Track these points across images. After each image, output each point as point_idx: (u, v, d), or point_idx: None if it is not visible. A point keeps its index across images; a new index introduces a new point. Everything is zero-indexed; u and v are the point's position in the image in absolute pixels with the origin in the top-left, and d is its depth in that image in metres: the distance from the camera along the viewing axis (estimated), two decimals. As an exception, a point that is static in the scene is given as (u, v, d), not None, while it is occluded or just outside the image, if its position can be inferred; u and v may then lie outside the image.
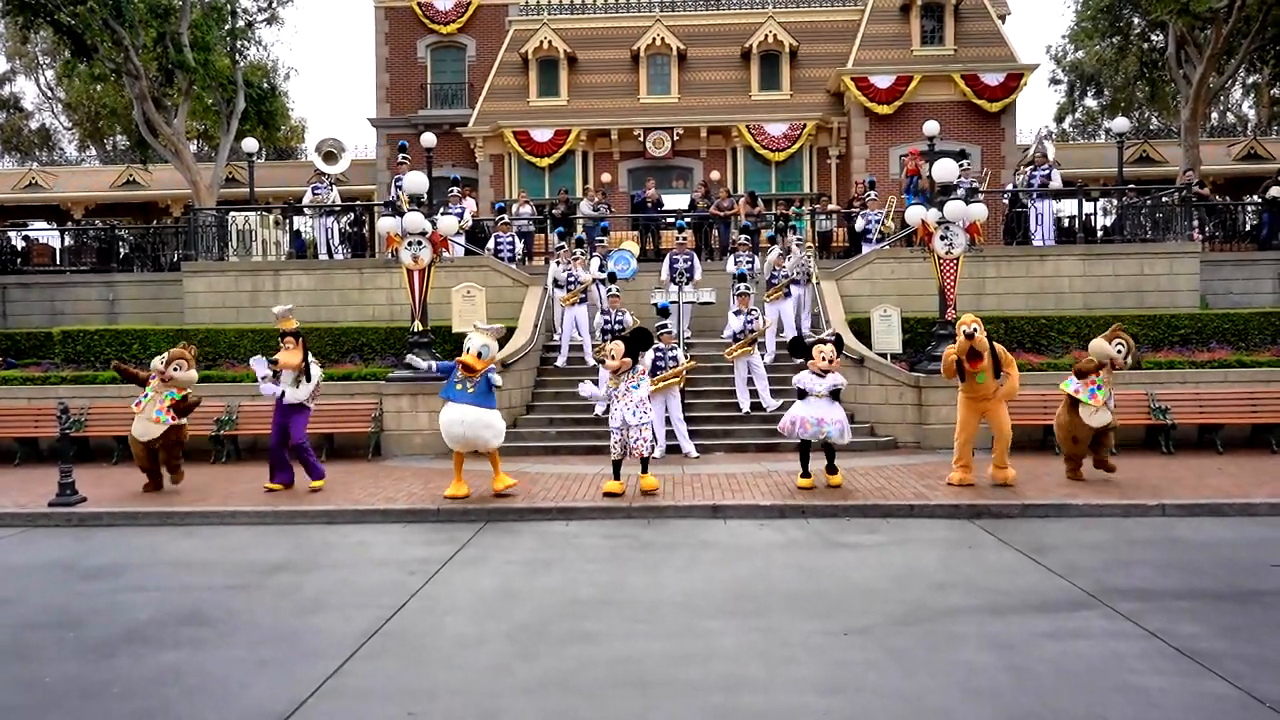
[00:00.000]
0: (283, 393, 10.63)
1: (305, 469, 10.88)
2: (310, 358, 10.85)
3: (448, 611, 6.60)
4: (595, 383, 11.09)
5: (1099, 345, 10.53)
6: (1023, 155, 17.83)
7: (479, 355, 9.88)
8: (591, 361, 14.41)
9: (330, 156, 18.59)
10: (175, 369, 10.86)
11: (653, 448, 10.56)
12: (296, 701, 5.03)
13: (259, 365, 10.68)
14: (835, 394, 10.23)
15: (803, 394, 10.20)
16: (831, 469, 10.40)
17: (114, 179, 31.42)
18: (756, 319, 13.52)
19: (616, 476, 10.13)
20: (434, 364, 10.82)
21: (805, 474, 10.39)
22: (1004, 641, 5.78)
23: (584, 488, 10.57)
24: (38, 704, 5.09)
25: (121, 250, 22.51)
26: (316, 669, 5.49)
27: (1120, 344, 10.59)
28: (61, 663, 5.69)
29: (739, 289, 13.65)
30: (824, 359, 10.22)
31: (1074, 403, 10.46)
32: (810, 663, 5.51)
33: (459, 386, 9.88)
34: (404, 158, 18.68)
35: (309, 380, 10.72)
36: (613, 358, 10.07)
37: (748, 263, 15.75)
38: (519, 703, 5.01)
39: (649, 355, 11.15)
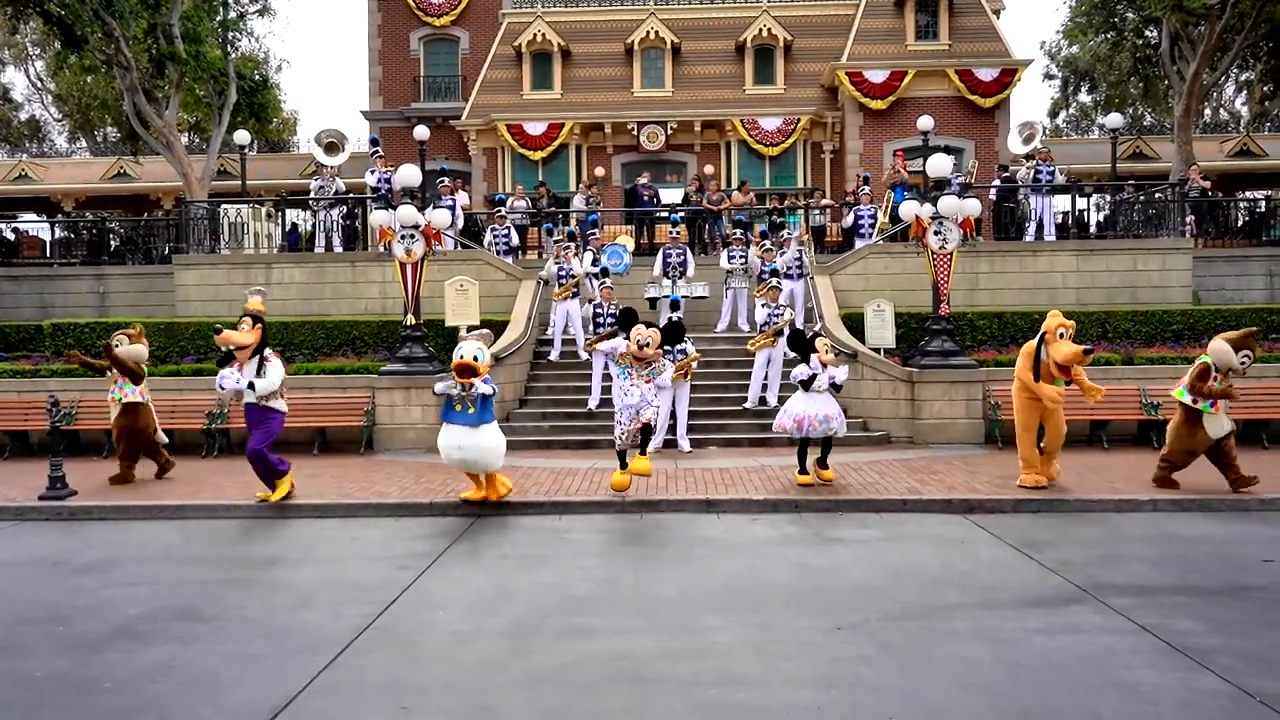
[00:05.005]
0: (248, 387, 9.44)
1: (262, 477, 9.77)
2: (269, 352, 9.63)
3: (440, 606, 6.58)
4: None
5: (1224, 352, 9.42)
6: (1023, 144, 17.80)
7: (475, 359, 8.97)
8: (585, 356, 14.38)
9: (331, 148, 18.47)
10: (118, 344, 10.76)
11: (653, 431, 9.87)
12: (288, 696, 5.01)
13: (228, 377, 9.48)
14: (836, 388, 10.09)
15: (806, 386, 9.95)
16: (824, 464, 10.27)
17: (105, 171, 31.25)
18: (783, 311, 13.47)
19: (624, 466, 9.54)
20: (441, 384, 9.27)
21: (804, 470, 10.26)
22: (998, 637, 5.79)
23: (577, 482, 10.55)
24: (28, 700, 5.05)
25: (112, 243, 22.38)
26: (309, 664, 5.46)
27: (1246, 356, 9.43)
28: (52, 658, 5.65)
29: (771, 283, 13.59)
30: (827, 350, 10.09)
31: (1191, 413, 9.55)
32: (804, 658, 5.51)
33: (458, 407, 9.02)
34: (376, 151, 18.59)
35: (264, 376, 9.47)
36: (646, 345, 9.38)
37: (741, 257, 15.75)
38: (513, 698, 4.99)
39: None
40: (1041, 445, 10.01)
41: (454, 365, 8.98)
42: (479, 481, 9.50)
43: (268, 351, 9.59)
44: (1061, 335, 9.52)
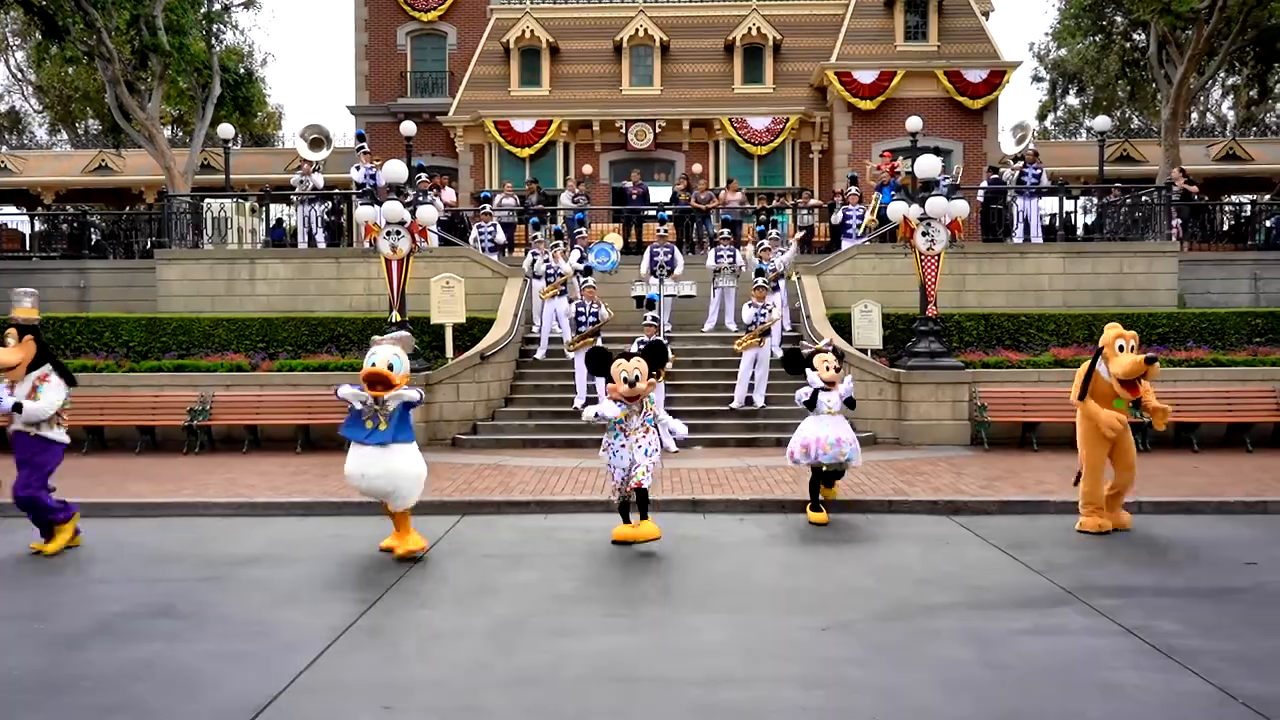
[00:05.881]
0: (14, 409, 7.75)
1: (37, 524, 8.05)
2: (52, 369, 7.94)
3: (424, 605, 6.53)
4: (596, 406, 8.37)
5: None
6: (1016, 144, 17.86)
7: (390, 368, 7.41)
8: (570, 355, 14.32)
9: (316, 144, 18.35)
10: None
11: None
12: (271, 695, 4.94)
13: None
14: (850, 403, 8.88)
15: (811, 405, 8.84)
16: (830, 482, 9.30)
17: (86, 164, 30.93)
18: (770, 311, 13.47)
19: (626, 519, 8.09)
20: (348, 387, 7.63)
21: (816, 506, 9.00)
22: (983, 638, 5.78)
23: (562, 481, 10.51)
24: (5, 698, 4.97)
25: (93, 237, 22.17)
26: (291, 662, 5.40)
27: None
28: (30, 656, 5.57)
29: (757, 283, 13.57)
30: (827, 368, 8.84)
31: None
32: (790, 658, 5.49)
33: (368, 424, 7.41)
34: (363, 147, 18.47)
35: (40, 400, 7.78)
36: (636, 379, 7.74)
37: (729, 256, 15.73)
38: (497, 697, 4.95)
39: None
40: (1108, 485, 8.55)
41: (363, 375, 7.40)
42: (398, 523, 7.76)
43: (48, 369, 7.91)
44: (1122, 349, 8.17)
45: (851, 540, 8.33)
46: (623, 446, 7.91)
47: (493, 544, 8.24)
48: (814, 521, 8.87)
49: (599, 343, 13.16)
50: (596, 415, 8.01)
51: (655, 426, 8.11)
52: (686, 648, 5.66)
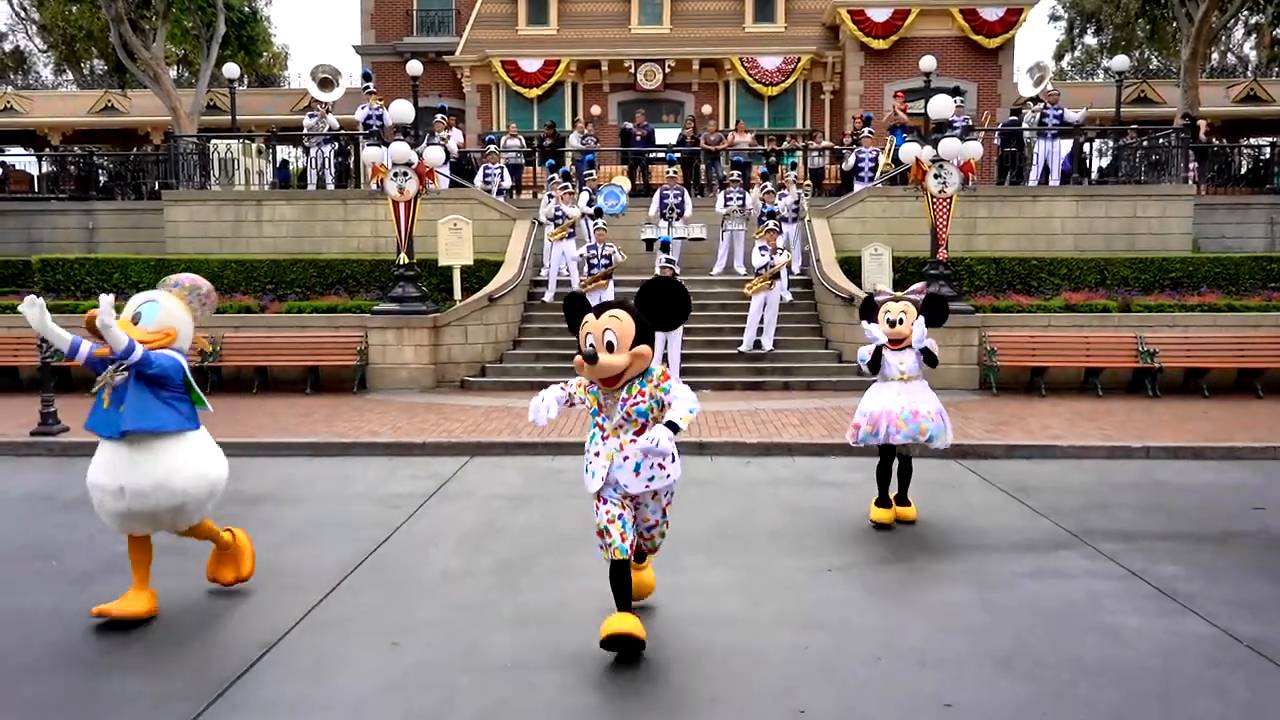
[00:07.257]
0: None
1: None
2: None
3: (431, 545, 6.59)
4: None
5: None
6: (1034, 86, 17.40)
7: (135, 321, 5.00)
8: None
9: (326, 83, 18.11)
10: None
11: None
12: (279, 633, 5.01)
13: None
14: (931, 360, 6.78)
15: (875, 366, 6.91)
16: (904, 497, 7.10)
17: (92, 104, 30.66)
18: (780, 255, 13.39)
19: (623, 605, 4.73)
20: (78, 340, 5.00)
21: (884, 499, 7.00)
22: (985, 580, 5.81)
23: (570, 423, 10.53)
24: (16, 636, 5.05)
25: (101, 178, 22.07)
26: (299, 601, 5.47)
27: None
28: (41, 593, 5.66)
29: (767, 225, 13.47)
30: (890, 322, 6.74)
31: None
32: (791, 599, 5.53)
33: (105, 403, 4.98)
34: (369, 87, 18.23)
35: None
36: (610, 347, 4.59)
37: (738, 199, 15.57)
38: (501, 634, 5.01)
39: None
40: None
41: (85, 320, 4.76)
42: (145, 574, 5.19)
43: None
44: None
45: (856, 483, 8.33)
46: (598, 455, 4.93)
47: (500, 485, 8.30)
48: (876, 521, 6.93)
49: (610, 288, 13.10)
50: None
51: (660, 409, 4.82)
52: (689, 588, 5.71)
